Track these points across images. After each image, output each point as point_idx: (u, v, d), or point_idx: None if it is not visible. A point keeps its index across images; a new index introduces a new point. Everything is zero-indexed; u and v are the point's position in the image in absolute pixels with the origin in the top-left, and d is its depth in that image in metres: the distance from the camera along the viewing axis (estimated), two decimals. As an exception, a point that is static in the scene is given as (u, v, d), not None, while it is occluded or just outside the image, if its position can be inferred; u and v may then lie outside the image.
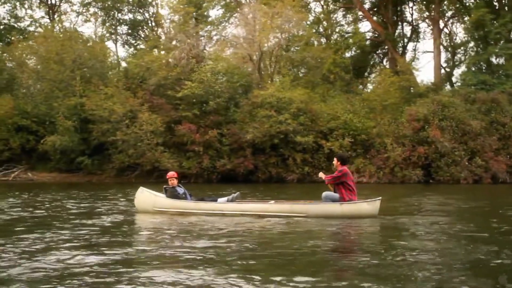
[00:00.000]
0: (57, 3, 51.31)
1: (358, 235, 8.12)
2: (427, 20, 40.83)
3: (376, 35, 40.19)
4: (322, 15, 38.78)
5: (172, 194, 10.58)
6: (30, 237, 7.08)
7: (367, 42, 40.22)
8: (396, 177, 27.53)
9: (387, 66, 40.82)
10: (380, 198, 9.86)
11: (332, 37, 40.36)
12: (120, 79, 30.26)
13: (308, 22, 33.76)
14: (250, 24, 30.14)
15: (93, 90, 30.60)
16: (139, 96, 29.52)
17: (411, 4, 41.32)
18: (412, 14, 42.33)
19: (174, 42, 32.41)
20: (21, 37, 48.41)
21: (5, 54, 35.77)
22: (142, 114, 28.30)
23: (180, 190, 10.75)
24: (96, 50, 33.34)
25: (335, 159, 10.23)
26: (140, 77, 31.91)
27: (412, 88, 33.83)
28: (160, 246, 6.61)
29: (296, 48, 31.29)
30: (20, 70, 33.29)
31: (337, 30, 40.65)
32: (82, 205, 12.86)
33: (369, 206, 9.77)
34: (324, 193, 9.98)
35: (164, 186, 10.89)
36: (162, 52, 33.36)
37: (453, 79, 38.92)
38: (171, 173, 10.95)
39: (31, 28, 47.69)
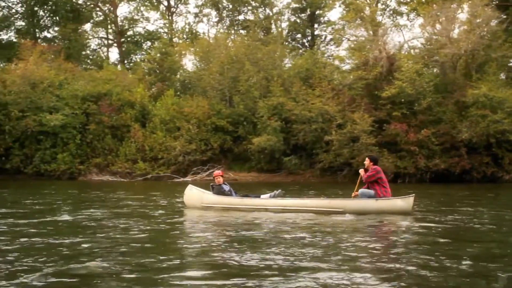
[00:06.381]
0: (174, 4, 52.03)
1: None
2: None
3: None
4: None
5: (219, 191, 11.40)
6: None
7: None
8: None
9: None
10: (413, 195, 10.63)
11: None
12: (323, 80, 30.24)
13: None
14: (448, 23, 29.96)
15: (295, 89, 30.74)
16: (345, 95, 29.55)
17: None
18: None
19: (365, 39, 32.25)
20: (149, 41, 49.04)
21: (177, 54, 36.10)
22: (353, 114, 28.31)
23: (226, 187, 11.53)
24: (274, 51, 33.52)
25: (367, 159, 11.08)
26: (324, 76, 31.89)
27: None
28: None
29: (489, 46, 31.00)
30: (203, 71, 33.70)
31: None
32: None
33: (403, 202, 10.42)
34: (361, 190, 10.80)
35: (211, 184, 11.79)
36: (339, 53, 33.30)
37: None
38: (217, 172, 11.91)
39: (163, 31, 48.40)
